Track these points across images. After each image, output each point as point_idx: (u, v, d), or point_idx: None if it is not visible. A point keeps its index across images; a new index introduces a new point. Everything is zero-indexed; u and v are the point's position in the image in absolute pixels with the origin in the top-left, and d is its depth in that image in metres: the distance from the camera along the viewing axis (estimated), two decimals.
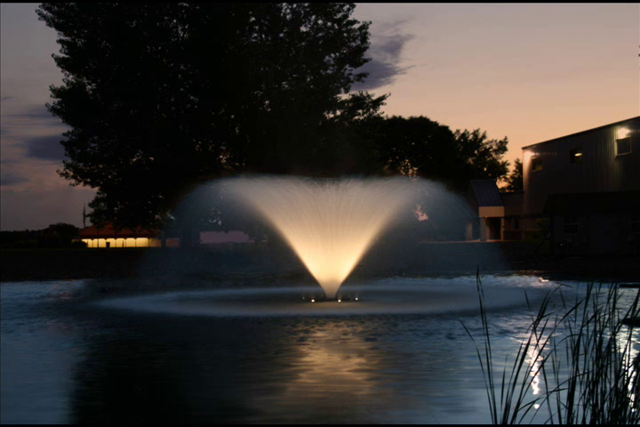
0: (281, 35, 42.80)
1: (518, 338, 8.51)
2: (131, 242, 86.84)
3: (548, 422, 3.65)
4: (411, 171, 79.90)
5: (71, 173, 42.33)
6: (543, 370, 3.69)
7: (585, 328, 3.69)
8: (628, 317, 3.92)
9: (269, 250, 30.50)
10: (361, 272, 16.18)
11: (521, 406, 3.49)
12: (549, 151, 51.93)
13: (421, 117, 79.88)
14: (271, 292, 16.85)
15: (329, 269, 14.67)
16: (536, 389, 5.80)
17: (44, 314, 12.31)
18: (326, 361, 7.64)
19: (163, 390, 6.59)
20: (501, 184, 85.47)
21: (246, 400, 6.00)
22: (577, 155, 48.68)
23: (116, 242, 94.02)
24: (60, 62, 41.27)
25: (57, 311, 12.79)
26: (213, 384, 6.58)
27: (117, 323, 10.82)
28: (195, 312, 12.08)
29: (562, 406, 3.56)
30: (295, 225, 14.96)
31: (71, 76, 41.87)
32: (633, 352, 7.01)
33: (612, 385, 3.55)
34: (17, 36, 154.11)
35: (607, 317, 3.76)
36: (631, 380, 3.59)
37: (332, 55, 43.25)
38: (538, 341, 3.68)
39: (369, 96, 44.01)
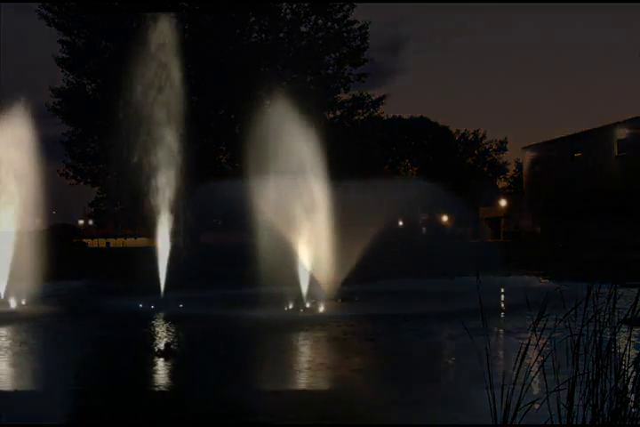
0: (281, 35, 42.79)
1: (518, 338, 8.51)
2: (131, 242, 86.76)
3: (548, 422, 3.65)
4: (411, 171, 79.91)
5: (71, 173, 42.33)
6: (543, 370, 3.69)
7: (585, 328, 3.68)
8: (628, 317, 3.91)
9: (269, 250, 30.42)
10: (361, 272, 16.15)
11: (521, 406, 3.48)
12: (549, 151, 51.91)
13: (421, 117, 79.89)
14: (271, 292, 16.82)
15: (329, 269, 14.67)
16: (536, 389, 5.78)
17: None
18: (326, 361, 7.64)
19: (163, 390, 6.58)
20: (501, 184, 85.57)
21: (246, 400, 6.00)
22: (577, 155, 48.68)
23: (116, 242, 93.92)
24: (60, 62, 41.23)
25: (57, 311, 12.77)
26: (213, 384, 6.57)
27: (117, 323, 10.81)
28: (195, 312, 12.08)
29: (562, 406, 3.56)
30: (295, 225, 14.95)
31: (71, 76, 41.88)
32: (633, 352, 7.00)
33: (612, 385, 3.54)
34: (17, 36, 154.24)
35: (607, 317, 3.76)
36: (631, 380, 3.59)
37: (332, 55, 43.22)
38: (538, 341, 3.68)
39: (369, 96, 43.99)
